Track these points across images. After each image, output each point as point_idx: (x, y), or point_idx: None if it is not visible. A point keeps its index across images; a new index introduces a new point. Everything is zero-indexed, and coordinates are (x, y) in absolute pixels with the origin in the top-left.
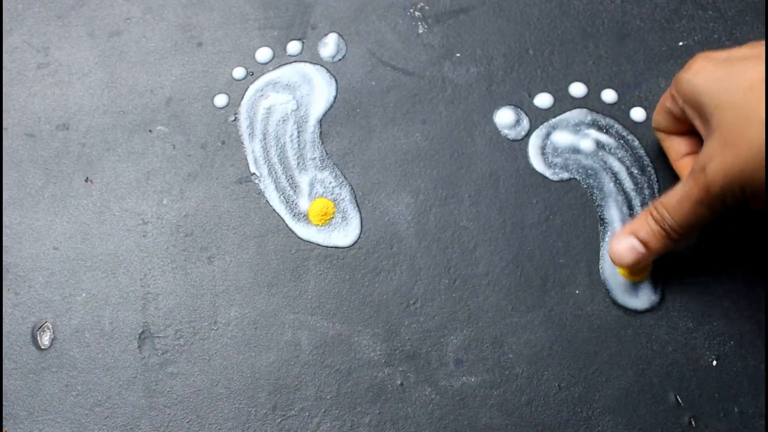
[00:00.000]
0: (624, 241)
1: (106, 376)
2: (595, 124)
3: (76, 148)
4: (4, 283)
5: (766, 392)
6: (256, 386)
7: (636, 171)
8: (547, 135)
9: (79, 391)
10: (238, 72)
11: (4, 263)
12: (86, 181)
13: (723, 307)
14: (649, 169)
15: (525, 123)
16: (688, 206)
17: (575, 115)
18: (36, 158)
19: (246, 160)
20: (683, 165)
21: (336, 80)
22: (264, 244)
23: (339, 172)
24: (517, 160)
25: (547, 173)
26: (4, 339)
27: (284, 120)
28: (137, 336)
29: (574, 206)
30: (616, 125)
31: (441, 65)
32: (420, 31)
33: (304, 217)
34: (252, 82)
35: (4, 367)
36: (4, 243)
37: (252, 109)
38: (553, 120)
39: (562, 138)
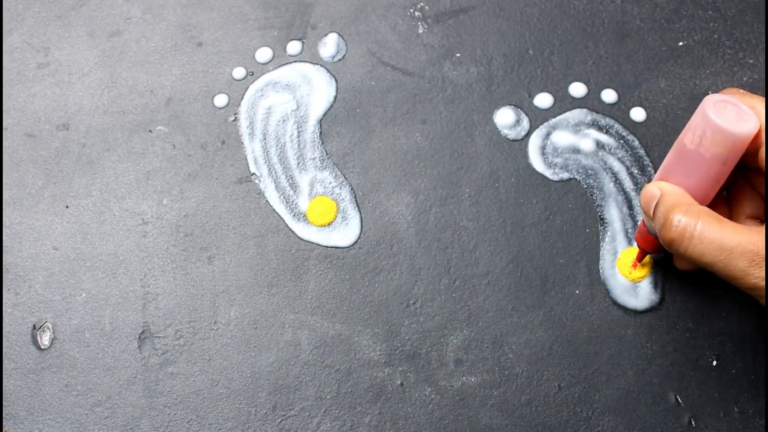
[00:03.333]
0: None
1: (106, 376)
2: (595, 124)
3: (76, 148)
4: (4, 283)
5: (766, 392)
6: (256, 386)
7: (636, 171)
8: (547, 135)
9: (79, 391)
10: (238, 72)
11: (4, 263)
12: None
13: (723, 307)
14: (649, 169)
15: (525, 123)
16: (715, 255)
17: (575, 115)
18: (36, 158)
19: (246, 160)
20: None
21: (336, 80)
22: (264, 244)
23: (339, 172)
24: (517, 160)
25: (547, 173)
26: (4, 339)
27: (284, 120)
28: (137, 336)
29: (574, 206)
30: (616, 125)
31: (441, 65)
32: (420, 31)
33: (304, 217)
34: (252, 82)
35: (4, 367)
36: (4, 243)
37: (252, 109)
38: (553, 120)
39: (562, 138)
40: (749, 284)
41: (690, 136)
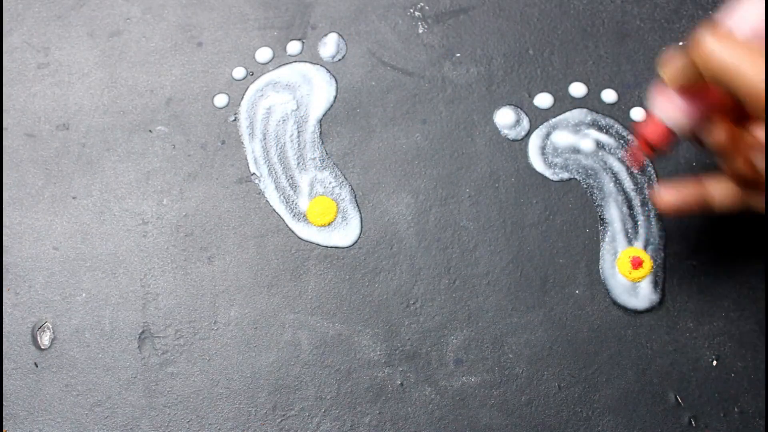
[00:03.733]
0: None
1: (106, 376)
2: (595, 124)
3: (76, 148)
4: (4, 283)
5: (766, 392)
6: (256, 386)
7: (636, 171)
8: (547, 135)
9: (79, 391)
10: (238, 72)
11: (4, 263)
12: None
13: (723, 307)
14: (649, 169)
15: (525, 123)
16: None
17: (575, 115)
18: (36, 158)
19: (246, 160)
20: None
21: (336, 80)
22: (264, 244)
23: (339, 172)
24: (517, 160)
25: (547, 173)
26: (4, 339)
27: (284, 120)
28: (137, 336)
29: (574, 206)
30: (616, 125)
31: (441, 65)
32: (420, 31)
33: (304, 217)
34: (252, 82)
35: (4, 367)
36: (4, 243)
37: (252, 109)
38: (553, 120)
39: (562, 138)
40: None
41: None
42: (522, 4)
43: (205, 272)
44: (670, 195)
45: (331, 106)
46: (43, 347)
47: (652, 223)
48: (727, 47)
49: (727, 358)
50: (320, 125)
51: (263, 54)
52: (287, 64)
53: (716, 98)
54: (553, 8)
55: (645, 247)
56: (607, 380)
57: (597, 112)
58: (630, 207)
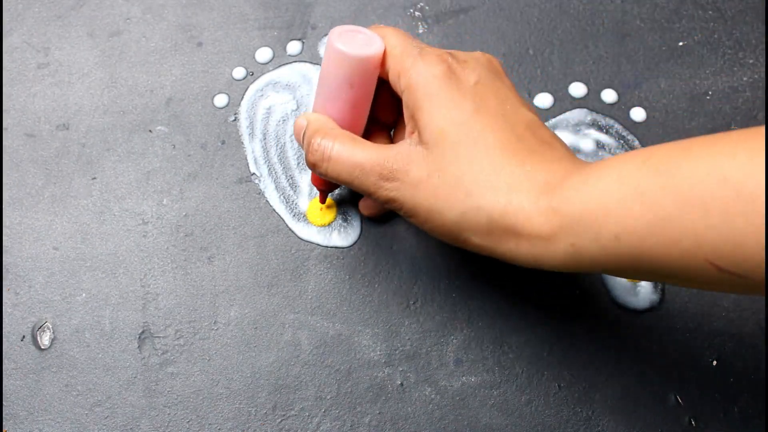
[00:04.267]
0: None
1: (106, 376)
2: (595, 124)
3: (76, 148)
4: (4, 283)
5: (767, 392)
6: (256, 386)
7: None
8: None
9: (79, 391)
10: (238, 72)
11: (4, 263)
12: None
13: (723, 307)
14: None
15: None
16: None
17: (575, 115)
18: (36, 158)
19: (246, 160)
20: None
21: None
22: (264, 244)
23: None
24: None
25: None
26: (4, 339)
27: (284, 120)
28: (137, 336)
29: None
30: (616, 125)
31: None
32: (420, 31)
33: (304, 217)
34: (252, 82)
35: (4, 367)
36: (4, 243)
37: (252, 109)
38: (553, 120)
39: (562, 138)
40: (382, 197)
41: (323, 64)
42: (522, 4)
43: (205, 272)
44: (369, 202)
45: None
46: (43, 347)
47: None
48: (332, 165)
49: (727, 358)
50: None
51: (263, 54)
52: (287, 64)
53: None
54: (553, 8)
55: None
56: (607, 380)
57: (597, 112)
58: None
